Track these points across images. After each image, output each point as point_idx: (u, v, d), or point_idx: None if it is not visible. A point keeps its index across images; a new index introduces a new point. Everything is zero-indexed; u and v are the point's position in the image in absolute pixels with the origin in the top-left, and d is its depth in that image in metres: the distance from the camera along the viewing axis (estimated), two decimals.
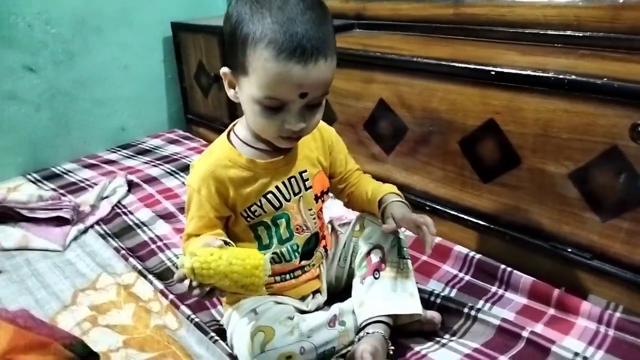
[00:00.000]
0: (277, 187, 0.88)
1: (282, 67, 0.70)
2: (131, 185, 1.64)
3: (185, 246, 0.87)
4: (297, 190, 0.90)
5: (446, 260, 1.16)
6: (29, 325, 0.88)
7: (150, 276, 1.15)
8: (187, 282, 0.72)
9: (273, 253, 0.89)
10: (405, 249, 0.95)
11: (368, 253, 0.94)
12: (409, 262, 0.94)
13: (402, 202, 0.92)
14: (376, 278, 0.91)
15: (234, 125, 0.91)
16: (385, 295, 0.89)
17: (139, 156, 1.93)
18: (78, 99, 1.88)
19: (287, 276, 0.94)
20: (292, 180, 0.89)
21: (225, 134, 0.91)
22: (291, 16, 0.70)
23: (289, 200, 0.89)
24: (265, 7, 0.71)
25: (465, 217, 1.21)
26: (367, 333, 0.85)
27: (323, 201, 0.97)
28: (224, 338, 0.93)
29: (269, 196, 0.87)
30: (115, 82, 1.98)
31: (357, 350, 0.82)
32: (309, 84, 0.73)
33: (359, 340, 0.86)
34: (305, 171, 0.91)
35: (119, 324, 1.02)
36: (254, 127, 0.83)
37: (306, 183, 0.91)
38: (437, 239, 1.21)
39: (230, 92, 0.84)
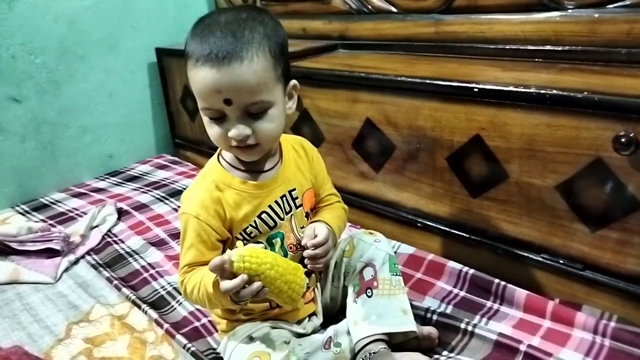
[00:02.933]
0: (270, 207, 0.89)
1: (199, 72, 0.74)
2: (121, 213, 1.63)
3: (187, 279, 0.85)
4: (288, 209, 0.91)
5: (440, 276, 1.17)
6: None
7: (144, 306, 1.14)
8: (236, 281, 0.73)
9: None
10: (396, 265, 0.95)
11: (360, 271, 0.95)
12: (401, 278, 0.95)
13: (328, 226, 0.91)
14: (369, 296, 0.91)
15: (221, 150, 0.91)
16: (379, 313, 0.89)
17: (127, 183, 1.92)
18: (64, 128, 1.88)
19: None
20: (284, 198, 0.90)
21: (214, 157, 0.92)
22: (212, 31, 0.75)
23: (282, 219, 0.90)
24: (199, 29, 0.77)
25: (457, 232, 1.23)
26: (373, 353, 0.86)
27: None
28: None
29: (264, 216, 0.88)
30: (101, 109, 1.98)
31: None
32: (227, 87, 0.74)
33: None
34: (294, 189, 0.92)
35: (115, 356, 1.01)
36: (212, 140, 0.84)
37: (296, 201, 0.92)
38: (431, 256, 1.22)
39: None
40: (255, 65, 0.74)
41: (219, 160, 0.90)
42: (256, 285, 0.73)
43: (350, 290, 0.96)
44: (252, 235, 0.88)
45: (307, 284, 0.96)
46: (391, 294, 0.91)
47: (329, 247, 0.87)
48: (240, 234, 0.88)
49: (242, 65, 0.73)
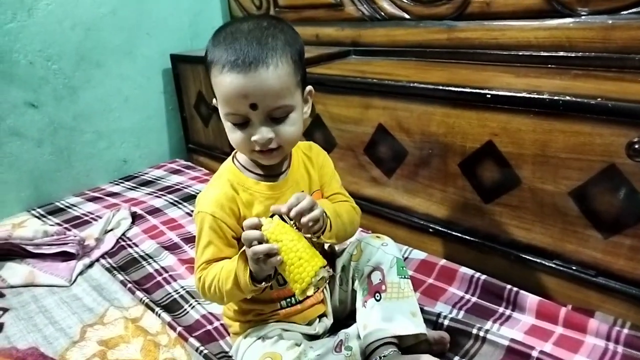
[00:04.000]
0: None
1: (226, 78, 0.76)
2: (135, 217, 1.65)
3: (205, 274, 0.85)
4: None
5: (452, 282, 1.16)
6: None
7: (157, 309, 1.15)
8: (256, 233, 0.75)
9: (279, 274, 0.90)
10: (404, 268, 0.95)
11: (368, 275, 0.95)
12: (409, 281, 0.95)
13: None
14: (377, 300, 0.92)
15: (235, 152, 0.93)
16: (388, 317, 0.90)
17: (141, 187, 1.94)
18: (80, 133, 1.90)
19: (293, 300, 0.95)
20: None
21: (230, 159, 0.94)
22: (237, 38, 0.77)
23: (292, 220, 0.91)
24: (222, 37, 0.79)
25: (469, 238, 1.22)
26: (383, 356, 0.86)
27: None
28: None
29: (275, 217, 0.89)
30: (116, 114, 2.01)
31: None
32: (253, 92, 0.76)
33: None
34: (302, 192, 0.92)
35: (128, 358, 1.02)
36: (233, 145, 0.85)
37: None
38: (442, 261, 1.22)
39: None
40: (280, 70, 0.76)
41: (233, 162, 0.92)
42: (273, 245, 0.75)
43: (358, 294, 0.96)
44: None
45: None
46: (400, 297, 0.92)
47: (315, 213, 0.81)
48: None
49: (267, 71, 0.75)
